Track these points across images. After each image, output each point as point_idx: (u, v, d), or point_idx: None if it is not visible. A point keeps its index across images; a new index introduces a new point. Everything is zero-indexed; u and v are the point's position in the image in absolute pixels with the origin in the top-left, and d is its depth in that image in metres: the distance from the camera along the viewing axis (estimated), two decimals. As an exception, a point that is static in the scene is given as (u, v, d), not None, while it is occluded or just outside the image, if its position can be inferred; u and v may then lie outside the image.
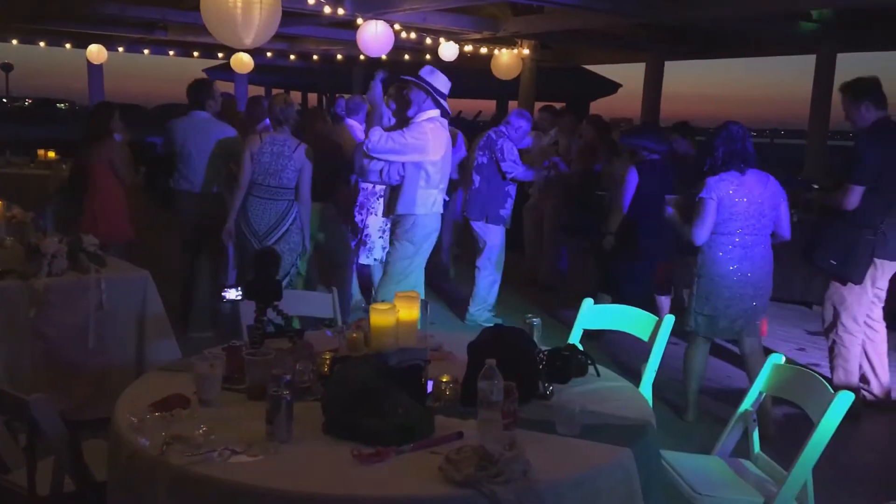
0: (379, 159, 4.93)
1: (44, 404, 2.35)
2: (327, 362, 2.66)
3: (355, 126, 6.50)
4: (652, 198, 5.60)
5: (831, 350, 4.95)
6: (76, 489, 2.47)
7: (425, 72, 4.90)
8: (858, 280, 4.73)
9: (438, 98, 4.86)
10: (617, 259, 5.88)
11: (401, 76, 5.16)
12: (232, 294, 2.98)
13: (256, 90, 17.20)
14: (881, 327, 4.97)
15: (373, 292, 5.81)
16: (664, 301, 6.05)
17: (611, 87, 18.86)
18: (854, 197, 4.54)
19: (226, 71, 14.73)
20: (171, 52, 13.86)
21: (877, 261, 4.72)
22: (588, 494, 2.04)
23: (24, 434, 2.48)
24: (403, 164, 4.93)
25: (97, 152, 5.93)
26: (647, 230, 5.70)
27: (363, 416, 2.18)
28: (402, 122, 5.06)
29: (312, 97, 27.03)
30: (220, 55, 13.61)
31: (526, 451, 2.02)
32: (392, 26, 7.74)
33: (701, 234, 4.34)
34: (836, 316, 4.84)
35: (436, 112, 4.90)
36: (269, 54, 13.35)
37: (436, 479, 1.95)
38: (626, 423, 2.40)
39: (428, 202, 4.98)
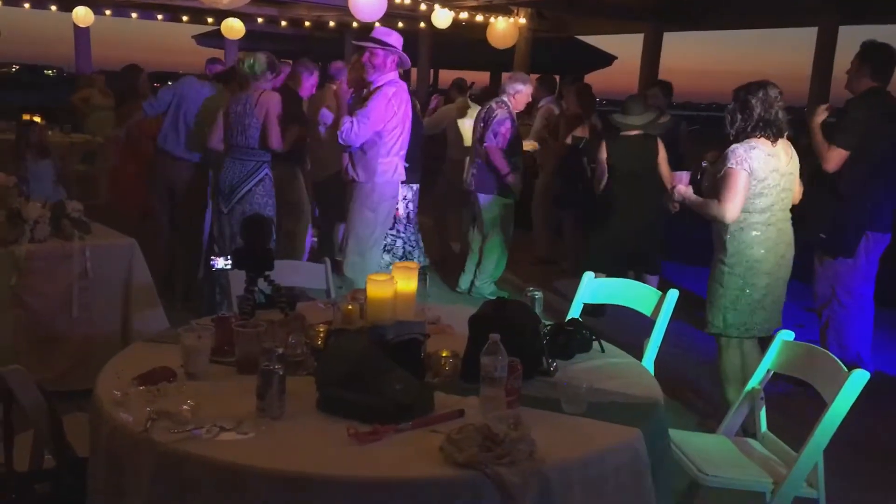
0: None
1: (21, 375, 2.24)
2: (321, 335, 2.56)
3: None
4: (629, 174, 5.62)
5: (825, 326, 4.84)
6: (56, 465, 2.36)
7: (381, 33, 4.80)
8: (850, 254, 4.63)
9: (402, 55, 4.81)
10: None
11: (357, 42, 5.06)
12: (221, 262, 2.86)
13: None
14: (868, 305, 4.81)
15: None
16: (651, 280, 5.91)
17: (606, 59, 18.70)
18: (835, 158, 4.43)
19: (216, 38, 14.45)
20: (160, 17, 13.58)
21: (868, 233, 4.62)
22: (597, 475, 1.95)
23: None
24: None
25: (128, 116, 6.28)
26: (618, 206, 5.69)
27: (359, 392, 2.07)
28: (363, 86, 4.96)
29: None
30: (209, 20, 13.34)
31: (531, 431, 1.92)
32: (386, -9, 7.54)
33: (732, 210, 3.75)
34: (832, 290, 4.74)
35: (394, 74, 4.84)
36: (259, 20, 13.07)
37: (437, 460, 1.85)
38: (633, 401, 2.31)
39: (388, 170, 4.93)
